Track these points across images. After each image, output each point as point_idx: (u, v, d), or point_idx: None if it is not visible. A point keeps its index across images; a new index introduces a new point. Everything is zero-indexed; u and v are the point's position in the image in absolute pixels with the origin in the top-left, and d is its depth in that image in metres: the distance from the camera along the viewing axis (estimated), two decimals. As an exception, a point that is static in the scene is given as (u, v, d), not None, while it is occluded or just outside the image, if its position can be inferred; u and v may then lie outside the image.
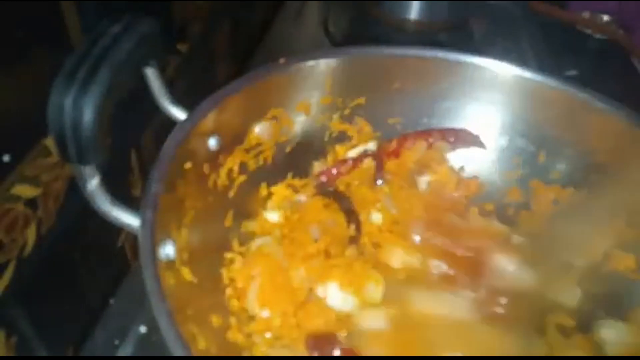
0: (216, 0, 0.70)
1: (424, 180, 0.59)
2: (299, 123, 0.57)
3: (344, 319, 0.49)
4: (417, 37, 0.88)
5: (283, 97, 0.55)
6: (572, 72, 0.79)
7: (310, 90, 0.56)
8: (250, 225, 0.54)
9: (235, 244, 0.51)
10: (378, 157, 0.58)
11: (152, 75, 0.45)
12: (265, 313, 0.47)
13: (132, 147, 0.55)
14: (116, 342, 0.52)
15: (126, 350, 0.52)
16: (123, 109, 0.40)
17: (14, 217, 0.40)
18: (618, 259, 0.54)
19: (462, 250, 0.54)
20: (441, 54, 0.57)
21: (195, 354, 0.38)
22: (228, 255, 0.50)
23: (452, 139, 0.60)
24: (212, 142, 0.49)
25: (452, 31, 0.89)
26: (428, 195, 0.58)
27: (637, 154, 0.53)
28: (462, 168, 0.61)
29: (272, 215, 0.54)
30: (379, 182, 0.58)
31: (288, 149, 0.57)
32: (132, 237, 0.40)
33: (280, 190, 0.56)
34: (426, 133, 0.60)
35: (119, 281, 0.57)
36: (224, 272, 0.49)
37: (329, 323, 0.48)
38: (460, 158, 0.61)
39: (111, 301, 0.56)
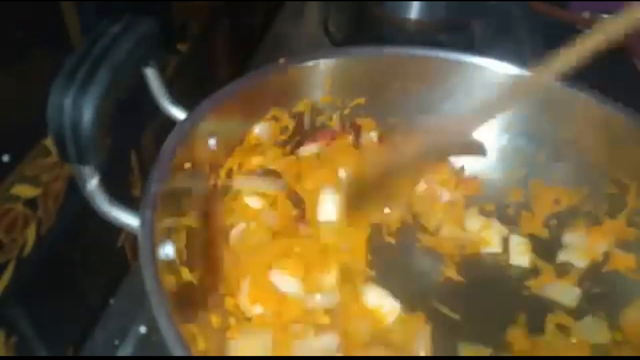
0: (216, 0, 0.70)
1: (423, 180, 0.59)
2: (299, 123, 0.57)
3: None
4: (417, 37, 0.88)
5: (283, 97, 0.55)
6: (572, 73, 0.79)
7: (310, 90, 0.56)
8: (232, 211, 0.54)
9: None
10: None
11: (151, 75, 0.45)
12: (257, 309, 0.47)
13: (132, 147, 0.55)
14: (116, 342, 0.52)
15: (126, 350, 0.52)
16: (123, 109, 0.40)
17: (14, 217, 0.40)
18: (618, 259, 0.54)
19: None
20: (441, 54, 0.57)
21: (195, 354, 0.38)
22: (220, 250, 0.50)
23: (454, 144, 0.60)
24: (212, 142, 0.49)
25: (452, 31, 0.89)
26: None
27: (638, 154, 0.53)
28: (462, 169, 0.61)
29: (253, 201, 0.54)
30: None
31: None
32: (132, 237, 0.40)
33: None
34: (429, 133, 0.60)
35: (119, 281, 0.57)
36: (217, 271, 0.49)
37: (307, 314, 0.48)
38: (460, 158, 0.61)
39: (111, 301, 0.56)
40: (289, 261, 0.49)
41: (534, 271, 0.55)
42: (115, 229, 0.40)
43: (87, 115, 0.35)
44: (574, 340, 0.50)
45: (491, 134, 0.60)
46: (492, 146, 0.60)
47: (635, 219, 0.54)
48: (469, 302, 0.52)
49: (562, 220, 0.57)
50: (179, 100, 0.46)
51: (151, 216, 0.39)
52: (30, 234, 0.42)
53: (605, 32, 0.38)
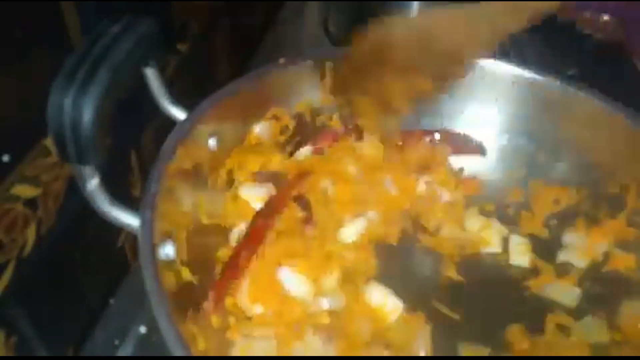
0: (216, 0, 0.70)
1: (423, 180, 0.59)
2: (299, 123, 0.57)
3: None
4: (417, 37, 0.88)
5: (283, 97, 0.55)
6: (572, 72, 0.79)
7: (310, 90, 0.56)
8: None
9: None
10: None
11: (151, 75, 0.45)
12: (258, 309, 0.47)
13: (132, 147, 0.55)
14: (116, 342, 0.52)
15: (126, 350, 0.52)
16: (123, 109, 0.40)
17: (14, 217, 0.40)
18: (618, 259, 0.54)
19: None
20: (441, 54, 0.57)
21: (195, 354, 0.38)
22: (218, 253, 0.50)
23: (454, 144, 0.60)
24: (212, 142, 0.49)
25: (452, 31, 0.89)
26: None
27: (637, 154, 0.53)
28: (462, 169, 0.61)
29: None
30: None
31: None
32: (132, 237, 0.40)
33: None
34: (429, 133, 0.60)
35: (119, 281, 0.57)
36: (217, 269, 0.49)
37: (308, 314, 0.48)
38: (460, 158, 0.61)
39: (111, 301, 0.56)
40: (300, 260, 0.49)
41: (534, 271, 0.55)
42: (115, 229, 0.40)
43: (87, 115, 0.35)
44: (574, 340, 0.50)
45: (491, 134, 0.60)
46: (492, 146, 0.61)
47: (635, 219, 0.54)
48: (469, 302, 0.52)
49: (562, 220, 0.57)
50: (179, 100, 0.46)
51: (151, 216, 0.39)
52: (30, 234, 0.42)
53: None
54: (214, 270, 0.49)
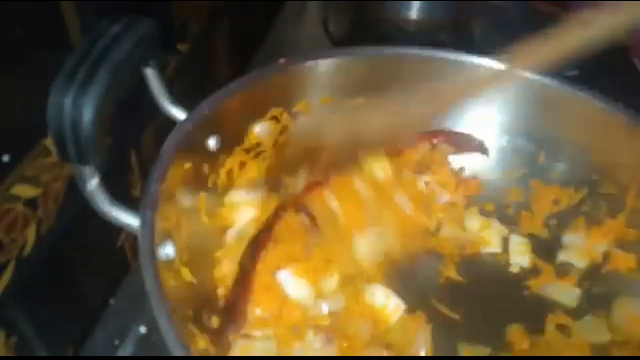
0: (216, 0, 0.70)
1: (423, 180, 0.59)
2: (299, 123, 0.57)
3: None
4: (417, 36, 0.88)
5: (283, 97, 0.55)
6: (572, 72, 0.79)
7: (310, 90, 0.56)
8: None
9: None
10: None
11: (151, 75, 0.45)
12: (257, 311, 0.47)
13: (132, 147, 0.55)
14: (116, 342, 0.52)
15: (126, 350, 0.52)
16: (123, 109, 0.40)
17: (14, 217, 0.40)
18: (618, 259, 0.54)
19: None
20: (441, 54, 0.57)
21: (195, 354, 0.38)
22: (217, 253, 0.50)
23: (455, 144, 0.60)
24: (212, 142, 0.49)
25: (452, 31, 0.89)
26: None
27: (637, 154, 0.53)
28: (462, 169, 0.61)
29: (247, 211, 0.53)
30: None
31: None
32: (132, 237, 0.40)
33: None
34: (430, 134, 0.60)
35: (119, 281, 0.57)
36: (215, 272, 0.49)
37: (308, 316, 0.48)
38: (460, 158, 0.61)
39: (111, 301, 0.56)
40: (300, 263, 0.49)
41: (534, 271, 0.55)
42: (115, 229, 0.40)
43: (87, 115, 0.35)
44: (574, 340, 0.50)
45: (491, 134, 0.60)
46: (492, 146, 0.61)
47: (635, 219, 0.54)
48: (469, 302, 0.52)
49: (562, 220, 0.57)
50: (179, 100, 0.46)
51: (151, 216, 0.39)
52: (30, 234, 0.42)
53: (592, 27, 0.37)
54: (214, 270, 0.49)
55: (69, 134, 0.35)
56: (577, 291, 0.53)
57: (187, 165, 0.46)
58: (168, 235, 0.42)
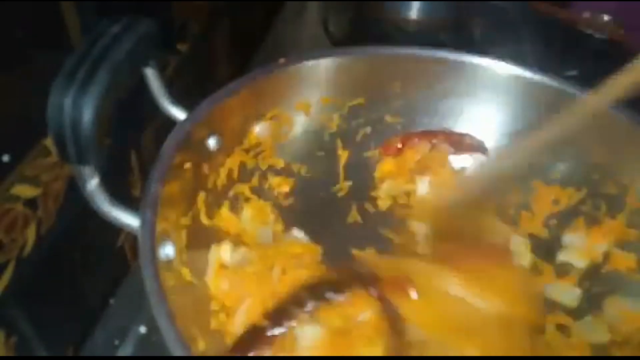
0: (216, 0, 0.70)
1: (424, 181, 0.59)
2: (299, 123, 0.57)
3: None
4: (417, 36, 0.88)
5: (283, 97, 0.55)
6: (572, 72, 0.79)
7: (310, 90, 0.56)
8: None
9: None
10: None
11: (151, 75, 0.45)
12: None
13: (132, 147, 0.55)
14: (116, 342, 0.52)
15: (126, 350, 0.52)
16: (123, 109, 0.40)
17: (14, 217, 0.40)
18: (618, 259, 0.54)
19: None
20: (441, 54, 0.57)
21: (195, 354, 0.38)
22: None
23: (456, 144, 0.60)
24: (212, 142, 0.49)
25: (452, 31, 0.89)
26: None
27: (637, 154, 0.53)
28: (462, 169, 0.61)
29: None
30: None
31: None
32: (132, 237, 0.40)
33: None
34: (431, 134, 0.60)
35: (119, 281, 0.57)
36: (210, 282, 0.47)
37: None
38: (461, 159, 0.61)
39: (111, 301, 0.56)
40: None
41: (534, 271, 0.55)
42: (115, 229, 0.40)
43: (87, 115, 0.35)
44: (574, 340, 0.50)
45: (491, 134, 0.60)
46: (492, 146, 0.60)
47: (635, 219, 0.54)
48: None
49: (562, 220, 0.57)
50: (179, 100, 0.46)
51: (151, 216, 0.39)
52: (30, 234, 0.42)
53: None
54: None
55: (69, 134, 0.35)
56: (577, 291, 0.53)
57: (187, 165, 0.46)
58: (168, 235, 0.42)
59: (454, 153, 0.60)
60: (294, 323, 0.45)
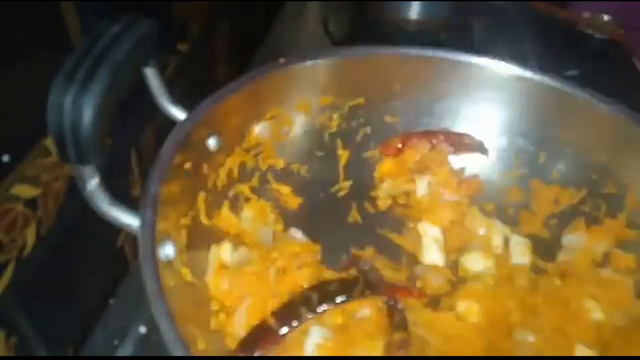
0: (216, 0, 0.70)
1: (424, 181, 0.59)
2: (299, 123, 0.57)
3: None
4: (417, 36, 0.88)
5: (283, 97, 0.55)
6: (572, 72, 0.79)
7: (310, 90, 0.56)
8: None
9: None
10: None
11: (151, 75, 0.45)
12: None
13: (132, 147, 0.55)
14: (116, 342, 0.52)
15: (126, 350, 0.52)
16: (123, 109, 0.40)
17: (14, 217, 0.40)
18: (618, 259, 0.54)
19: None
20: (441, 54, 0.57)
21: (194, 354, 0.38)
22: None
23: (455, 144, 0.60)
24: (212, 142, 0.49)
25: (452, 31, 0.89)
26: None
27: (637, 154, 0.53)
28: (462, 169, 0.61)
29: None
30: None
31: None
32: (132, 237, 0.40)
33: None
34: (430, 134, 0.60)
35: (119, 281, 0.57)
36: (210, 282, 0.48)
37: None
38: (460, 159, 0.61)
39: (111, 301, 0.56)
40: None
41: (534, 271, 0.55)
42: (115, 229, 0.40)
43: (87, 115, 0.35)
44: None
45: (491, 134, 0.60)
46: (492, 146, 0.60)
47: (635, 220, 0.54)
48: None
49: (562, 220, 0.57)
50: (179, 100, 0.46)
51: (151, 216, 0.39)
52: (30, 234, 0.42)
53: None
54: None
55: (69, 134, 0.35)
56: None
57: (187, 165, 0.46)
58: (168, 235, 0.42)
59: (454, 153, 0.60)
60: (302, 323, 0.45)
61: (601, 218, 0.56)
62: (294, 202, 0.57)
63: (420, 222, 0.57)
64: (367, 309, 0.48)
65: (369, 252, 0.54)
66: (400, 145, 0.60)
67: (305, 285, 0.48)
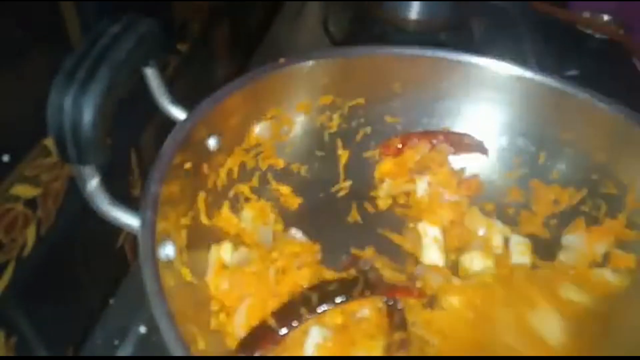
0: (216, 0, 0.70)
1: (424, 181, 0.59)
2: (299, 123, 0.57)
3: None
4: (417, 37, 0.88)
5: (283, 97, 0.55)
6: (572, 72, 0.79)
7: (310, 90, 0.56)
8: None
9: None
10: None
11: (151, 75, 0.45)
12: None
13: (132, 147, 0.55)
14: (116, 342, 0.52)
15: (126, 350, 0.52)
16: (123, 109, 0.40)
17: (14, 217, 0.40)
18: (618, 259, 0.54)
19: None
20: (441, 54, 0.57)
21: (194, 354, 0.38)
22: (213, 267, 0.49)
23: (455, 144, 0.60)
24: (212, 142, 0.49)
25: (452, 31, 0.89)
26: None
27: (637, 154, 0.53)
28: (462, 169, 0.61)
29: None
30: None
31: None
32: (132, 237, 0.40)
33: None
34: (430, 134, 0.60)
35: (119, 281, 0.57)
36: (210, 282, 0.48)
37: None
38: (460, 159, 0.61)
39: (111, 301, 0.56)
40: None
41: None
42: (115, 229, 0.40)
43: (88, 115, 0.35)
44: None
45: (491, 134, 0.60)
46: (492, 146, 0.60)
47: (635, 220, 0.54)
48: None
49: (562, 220, 0.57)
50: (179, 100, 0.46)
51: (151, 216, 0.39)
52: (30, 234, 0.42)
53: None
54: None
55: (69, 134, 0.35)
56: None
57: (187, 165, 0.46)
58: (168, 235, 0.42)
59: (454, 153, 0.60)
60: (302, 323, 0.45)
61: (601, 218, 0.56)
62: (294, 202, 0.57)
63: (420, 222, 0.57)
64: (367, 309, 0.48)
65: (368, 252, 0.54)
66: (400, 146, 0.60)
67: (305, 286, 0.48)
